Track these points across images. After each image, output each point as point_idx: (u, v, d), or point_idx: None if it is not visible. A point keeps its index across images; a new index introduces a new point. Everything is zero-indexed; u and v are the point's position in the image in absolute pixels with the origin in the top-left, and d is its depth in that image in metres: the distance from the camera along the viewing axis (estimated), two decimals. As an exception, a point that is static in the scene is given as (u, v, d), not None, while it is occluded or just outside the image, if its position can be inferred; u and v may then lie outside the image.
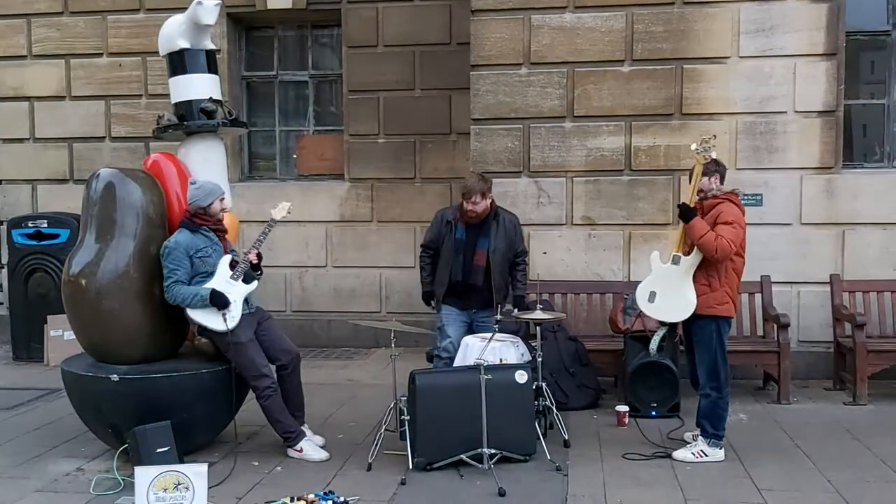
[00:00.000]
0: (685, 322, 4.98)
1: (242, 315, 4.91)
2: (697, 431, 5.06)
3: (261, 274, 5.14)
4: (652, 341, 5.12)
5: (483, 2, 7.14)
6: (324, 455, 4.98)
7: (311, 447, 5.02)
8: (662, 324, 5.06)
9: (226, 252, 5.05)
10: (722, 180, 4.99)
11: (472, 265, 5.56)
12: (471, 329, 5.70)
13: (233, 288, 4.90)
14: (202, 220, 4.97)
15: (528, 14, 7.09)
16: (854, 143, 7.39)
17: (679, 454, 4.98)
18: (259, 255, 5.04)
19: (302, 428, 5.14)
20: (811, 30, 6.79)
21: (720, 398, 4.95)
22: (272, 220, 5.17)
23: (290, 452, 5.00)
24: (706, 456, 4.92)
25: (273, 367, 5.08)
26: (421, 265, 5.81)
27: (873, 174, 7.04)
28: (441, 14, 8.40)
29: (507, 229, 5.63)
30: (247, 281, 4.98)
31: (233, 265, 4.98)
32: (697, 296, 4.83)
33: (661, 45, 6.96)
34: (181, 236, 4.90)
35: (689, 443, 5.14)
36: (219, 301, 4.81)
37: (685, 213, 4.83)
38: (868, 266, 6.84)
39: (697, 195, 4.91)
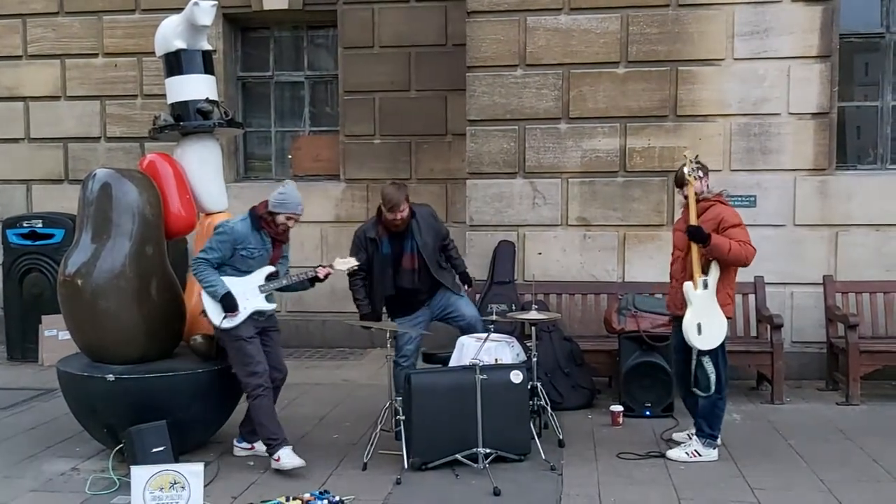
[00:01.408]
0: (677, 323, 4.99)
1: (249, 317, 4.79)
2: (692, 430, 5.08)
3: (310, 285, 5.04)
4: (709, 376, 4.87)
5: (479, 3, 7.16)
6: (298, 462, 4.71)
7: (287, 455, 4.74)
8: (702, 353, 4.89)
9: (277, 260, 4.94)
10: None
11: (405, 271, 5.44)
12: (445, 321, 5.65)
13: (253, 297, 4.80)
14: (266, 223, 4.84)
15: (524, 16, 7.11)
16: (848, 144, 7.43)
17: (673, 454, 5.00)
18: (326, 275, 4.94)
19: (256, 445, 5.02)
20: (805, 32, 6.83)
21: (719, 399, 4.97)
22: (331, 265, 4.98)
23: (272, 462, 4.77)
24: (700, 456, 4.95)
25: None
26: (353, 289, 5.46)
27: (866, 176, 7.08)
28: (437, 15, 8.42)
29: (428, 222, 5.52)
30: (269, 300, 4.88)
31: (269, 277, 4.87)
32: None
33: (656, 47, 6.99)
34: (240, 225, 4.81)
35: (681, 443, 5.17)
36: (227, 304, 4.71)
37: (698, 235, 4.77)
38: (861, 267, 6.87)
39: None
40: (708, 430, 4.98)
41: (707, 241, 4.76)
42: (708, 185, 4.97)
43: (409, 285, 5.46)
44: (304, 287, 5.05)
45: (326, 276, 4.96)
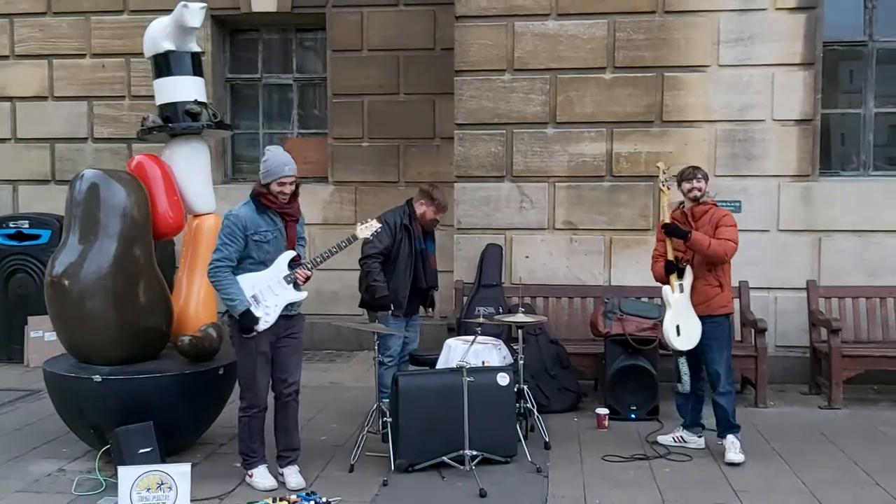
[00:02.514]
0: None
1: (277, 318, 4.49)
2: (728, 439, 5.10)
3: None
4: (682, 377, 5.22)
5: (467, 8, 7.20)
6: (270, 483, 4.53)
7: (261, 474, 4.57)
8: (680, 353, 5.17)
9: (293, 243, 4.57)
10: None
11: (428, 270, 5.72)
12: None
13: (282, 290, 4.48)
14: (267, 200, 4.47)
15: (512, 21, 7.16)
16: (831, 151, 7.52)
17: (662, 438, 5.28)
18: (307, 277, 4.54)
19: (291, 468, 4.66)
20: (789, 40, 6.91)
21: (731, 391, 5.17)
22: (353, 235, 4.73)
23: (246, 477, 4.62)
24: (684, 442, 5.13)
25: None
26: (371, 270, 5.51)
27: (850, 182, 7.17)
28: (425, 20, 8.46)
29: (433, 234, 5.92)
30: (298, 287, 4.53)
31: (293, 263, 4.54)
32: (710, 297, 5.06)
33: (643, 53, 7.05)
34: (244, 210, 4.47)
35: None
36: (244, 324, 4.39)
37: (676, 232, 5.03)
38: (843, 272, 6.96)
39: (691, 199, 5.15)
40: (735, 421, 5.11)
41: (687, 238, 4.99)
42: (707, 191, 5.18)
43: (422, 284, 5.69)
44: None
45: (307, 278, 4.56)
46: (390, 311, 5.56)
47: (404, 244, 5.60)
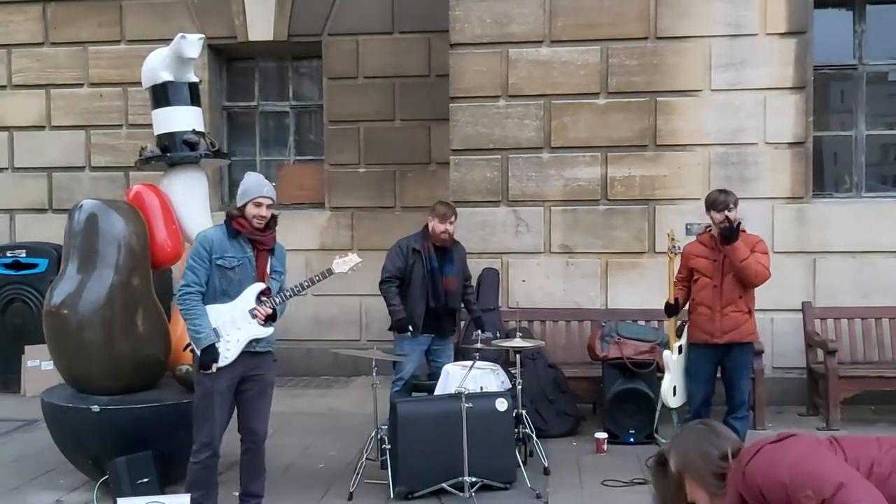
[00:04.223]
0: (706, 350, 5.16)
1: (240, 355, 4.24)
2: None
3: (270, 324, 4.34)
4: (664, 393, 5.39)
5: (461, 36, 7.28)
6: None
7: None
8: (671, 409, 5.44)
9: (263, 274, 4.30)
10: None
11: (446, 291, 5.75)
12: (426, 355, 5.88)
13: (246, 325, 4.21)
14: (238, 224, 4.22)
15: (506, 48, 7.24)
16: (824, 173, 7.59)
17: None
18: (272, 316, 4.28)
19: None
20: (780, 64, 6.99)
21: (748, 416, 5.30)
22: (328, 270, 4.51)
23: None
24: None
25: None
26: (388, 295, 5.72)
27: (843, 204, 7.22)
28: (420, 47, 8.54)
29: (462, 257, 5.99)
30: (266, 322, 4.28)
31: (262, 297, 4.27)
32: (740, 324, 5.07)
33: (636, 79, 7.12)
34: (215, 232, 4.28)
35: None
36: (205, 359, 4.15)
37: (733, 233, 5.00)
38: (839, 293, 6.98)
39: (726, 224, 5.06)
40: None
41: (735, 239, 4.98)
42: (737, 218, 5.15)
43: (449, 304, 5.78)
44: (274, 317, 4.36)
45: (273, 317, 4.29)
46: (409, 333, 5.65)
47: (416, 266, 5.70)
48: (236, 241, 4.24)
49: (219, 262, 4.18)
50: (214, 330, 4.18)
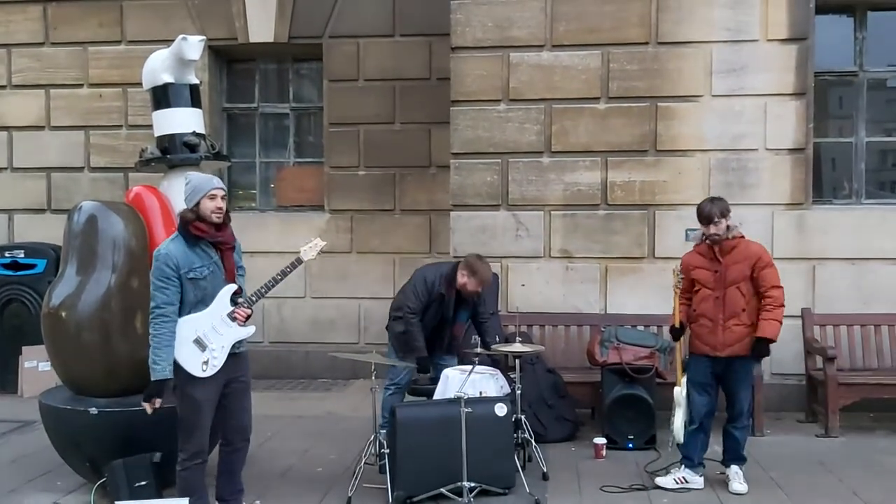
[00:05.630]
0: (709, 361, 5.11)
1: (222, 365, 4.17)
2: (733, 469, 5.13)
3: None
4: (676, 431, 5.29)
5: (463, 39, 7.28)
6: None
7: None
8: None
9: (232, 274, 4.21)
10: None
11: (451, 336, 5.68)
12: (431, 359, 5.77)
13: (227, 329, 4.14)
14: (198, 229, 4.08)
15: (507, 52, 7.23)
16: (823, 179, 7.59)
17: (661, 480, 5.13)
18: (248, 315, 4.21)
19: None
20: (781, 70, 7.00)
21: (748, 426, 5.25)
22: (298, 259, 4.47)
23: None
24: (686, 483, 5.02)
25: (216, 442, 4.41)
26: (413, 330, 5.46)
27: (842, 210, 7.22)
28: (421, 50, 8.54)
29: (493, 288, 5.90)
30: (246, 322, 4.23)
31: (235, 297, 4.20)
32: (742, 338, 5.00)
33: (636, 84, 7.12)
34: (174, 246, 4.09)
35: (731, 479, 5.18)
36: (151, 392, 4.07)
37: (765, 350, 5.07)
38: (838, 300, 6.98)
39: (712, 241, 5.04)
40: (743, 453, 5.16)
41: (767, 353, 5.08)
42: (731, 225, 5.08)
43: (441, 346, 5.66)
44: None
45: (248, 317, 4.22)
46: (428, 371, 5.57)
47: (433, 308, 5.52)
48: (198, 248, 4.12)
49: (190, 275, 4.06)
50: (197, 341, 4.09)
